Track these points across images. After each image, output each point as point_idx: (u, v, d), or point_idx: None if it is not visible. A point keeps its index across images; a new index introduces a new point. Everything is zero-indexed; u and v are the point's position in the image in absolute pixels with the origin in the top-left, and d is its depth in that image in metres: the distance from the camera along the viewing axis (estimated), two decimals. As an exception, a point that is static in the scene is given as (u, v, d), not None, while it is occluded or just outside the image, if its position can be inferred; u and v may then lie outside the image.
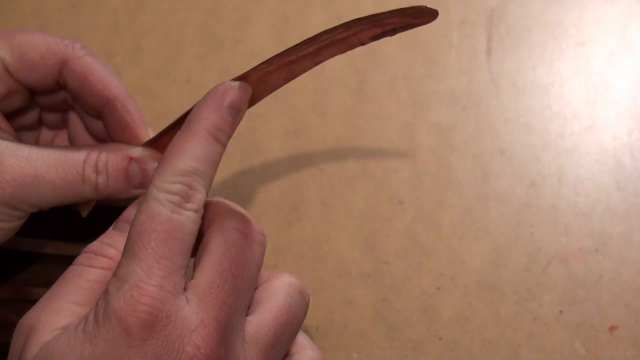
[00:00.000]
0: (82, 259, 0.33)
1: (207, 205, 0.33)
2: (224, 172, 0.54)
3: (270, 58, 0.36)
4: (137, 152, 0.37)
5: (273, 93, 0.58)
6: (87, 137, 0.40)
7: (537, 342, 0.47)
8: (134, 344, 0.27)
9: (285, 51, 0.36)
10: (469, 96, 0.56)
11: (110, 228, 0.35)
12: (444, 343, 0.48)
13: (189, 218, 0.30)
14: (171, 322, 0.28)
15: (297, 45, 0.36)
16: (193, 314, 0.29)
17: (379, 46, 0.59)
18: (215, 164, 0.32)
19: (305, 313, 0.33)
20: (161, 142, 0.37)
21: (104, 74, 0.37)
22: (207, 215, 0.33)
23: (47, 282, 0.42)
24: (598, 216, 0.51)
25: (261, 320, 0.31)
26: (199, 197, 0.31)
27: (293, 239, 0.51)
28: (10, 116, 0.39)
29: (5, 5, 0.63)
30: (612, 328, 0.48)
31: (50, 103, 0.40)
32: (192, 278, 0.31)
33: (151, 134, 0.38)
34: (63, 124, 0.41)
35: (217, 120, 0.33)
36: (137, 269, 0.29)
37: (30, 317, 0.31)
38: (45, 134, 0.42)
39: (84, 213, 0.40)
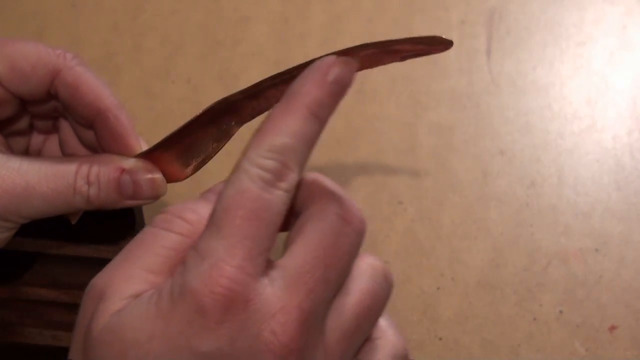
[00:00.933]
0: (160, 220, 0.31)
1: (303, 182, 0.31)
2: (224, 172, 0.54)
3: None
4: (129, 163, 0.36)
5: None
6: (78, 144, 0.40)
7: (537, 342, 0.47)
8: (208, 326, 0.26)
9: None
10: (469, 96, 0.56)
11: (198, 196, 0.33)
12: (444, 343, 0.48)
13: (279, 198, 0.29)
14: (250, 306, 0.26)
15: (292, 68, 0.36)
16: (275, 297, 0.27)
17: (379, 46, 0.59)
18: (312, 143, 0.30)
19: (388, 298, 0.31)
20: (154, 155, 0.37)
21: (96, 84, 0.37)
22: (304, 193, 0.31)
23: (47, 282, 0.42)
24: (598, 216, 0.51)
25: (343, 305, 0.29)
26: (292, 177, 0.29)
27: (293, 239, 0.51)
28: (1, 123, 0.39)
29: (5, 5, 0.63)
30: (612, 328, 0.48)
31: (41, 111, 0.40)
32: (282, 257, 0.29)
33: (143, 144, 0.38)
34: (54, 129, 0.41)
35: (320, 97, 0.31)
36: (218, 246, 0.27)
37: (102, 280, 0.29)
38: (36, 138, 0.41)
39: (73, 220, 0.40)
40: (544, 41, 0.58)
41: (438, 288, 0.50)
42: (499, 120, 0.55)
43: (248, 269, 0.27)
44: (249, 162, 0.30)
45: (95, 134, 0.38)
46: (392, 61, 0.35)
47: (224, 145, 0.38)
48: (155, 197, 0.37)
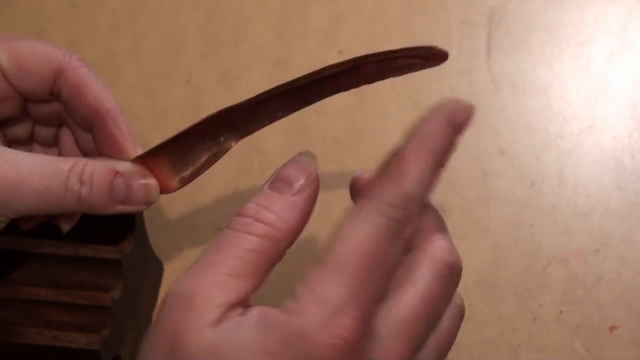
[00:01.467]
0: (238, 224, 0.30)
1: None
2: (224, 172, 0.54)
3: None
4: (124, 167, 0.36)
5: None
6: (78, 155, 0.40)
7: (537, 342, 0.47)
8: None
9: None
10: (469, 96, 0.56)
11: (265, 186, 0.32)
12: (444, 343, 0.48)
13: (399, 248, 0.28)
14: (360, 358, 0.27)
15: (292, 80, 0.36)
16: (381, 348, 0.27)
17: (379, 46, 0.59)
18: (432, 190, 0.30)
19: (454, 290, 0.31)
20: (149, 160, 0.37)
21: (98, 86, 0.37)
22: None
23: (47, 282, 0.42)
24: (598, 216, 0.51)
25: (402, 311, 0.29)
26: (411, 228, 0.29)
27: (293, 239, 0.51)
28: (2, 124, 0.39)
29: (5, 5, 0.63)
30: (612, 328, 0.48)
31: (43, 115, 0.40)
32: (387, 300, 0.29)
33: (139, 151, 0.38)
34: (54, 142, 0.41)
35: (445, 143, 0.30)
36: (338, 293, 0.27)
37: (187, 286, 0.29)
38: (36, 149, 0.41)
39: (65, 229, 0.39)
40: (544, 41, 0.58)
41: (438, 288, 0.50)
42: (499, 120, 0.55)
43: (364, 321, 0.27)
44: (378, 208, 0.29)
45: (94, 137, 0.38)
46: (390, 77, 0.36)
47: (218, 159, 0.37)
48: (147, 203, 0.36)
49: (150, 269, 0.49)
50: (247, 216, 0.31)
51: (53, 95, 0.38)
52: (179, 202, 0.52)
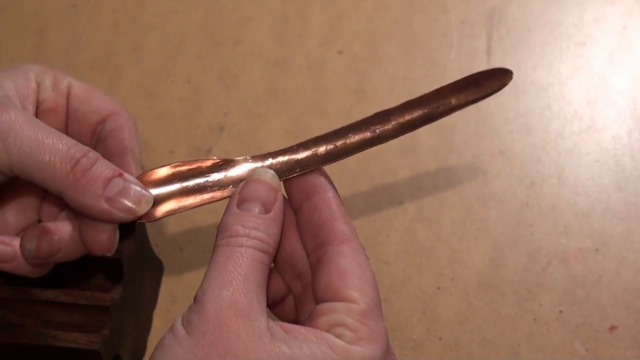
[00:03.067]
0: (238, 241, 0.34)
1: None
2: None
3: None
4: (128, 175, 0.37)
5: (273, 93, 0.58)
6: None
7: (537, 342, 0.47)
8: None
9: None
10: (469, 96, 0.56)
11: (237, 206, 0.35)
12: (444, 343, 0.48)
13: None
14: None
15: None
16: None
17: (379, 46, 0.59)
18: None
19: None
20: (145, 179, 0.37)
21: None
22: None
23: (48, 282, 0.42)
24: (598, 216, 0.51)
25: None
26: None
27: (293, 239, 0.51)
28: None
29: (5, 5, 0.63)
30: (612, 328, 0.48)
31: None
32: None
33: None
34: None
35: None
36: (384, 329, 0.34)
37: (236, 296, 0.32)
38: None
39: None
40: (544, 41, 0.58)
41: (438, 288, 0.50)
42: (499, 120, 0.55)
43: None
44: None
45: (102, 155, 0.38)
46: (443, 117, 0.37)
47: (204, 204, 0.37)
48: (134, 212, 0.36)
49: (150, 269, 0.49)
50: (240, 235, 0.34)
51: None
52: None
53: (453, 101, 0.37)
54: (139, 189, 0.36)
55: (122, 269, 0.43)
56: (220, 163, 0.37)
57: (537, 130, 0.55)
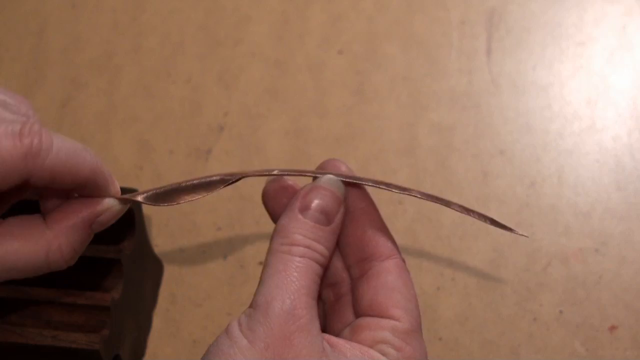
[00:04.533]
0: (299, 251, 0.34)
1: None
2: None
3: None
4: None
5: (273, 93, 0.58)
6: None
7: (537, 342, 0.47)
8: None
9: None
10: (469, 96, 0.56)
11: (301, 214, 0.35)
12: (444, 343, 0.48)
13: None
14: None
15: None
16: None
17: (379, 46, 0.59)
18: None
19: None
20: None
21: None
22: None
23: (48, 282, 0.42)
24: (598, 216, 0.51)
25: None
26: None
27: (293, 239, 0.51)
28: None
29: (5, 5, 0.63)
30: (612, 328, 0.48)
31: None
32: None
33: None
34: None
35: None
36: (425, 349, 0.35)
37: (294, 303, 0.32)
38: None
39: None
40: (544, 41, 0.58)
41: (438, 288, 0.50)
42: (499, 120, 0.55)
43: None
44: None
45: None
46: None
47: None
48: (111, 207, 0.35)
49: (150, 269, 0.49)
50: (302, 246, 0.34)
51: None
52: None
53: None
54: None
55: (122, 269, 0.43)
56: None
57: (537, 130, 0.55)
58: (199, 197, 0.37)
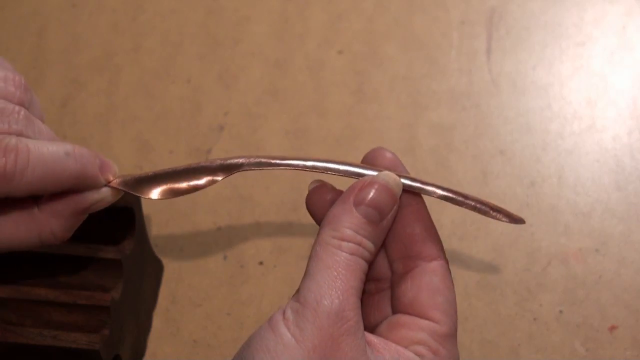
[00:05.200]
0: (349, 248, 0.33)
1: None
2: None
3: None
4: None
5: (273, 93, 0.58)
6: None
7: (537, 342, 0.47)
8: None
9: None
10: (469, 96, 0.56)
11: (355, 209, 0.34)
12: (444, 343, 0.48)
13: None
14: None
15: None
16: None
17: (379, 46, 0.59)
18: None
19: None
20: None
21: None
22: None
23: (47, 282, 0.42)
24: (598, 216, 0.51)
25: None
26: None
27: (293, 239, 0.51)
28: None
29: (5, 5, 0.63)
30: (612, 328, 0.48)
31: None
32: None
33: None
34: None
35: None
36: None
37: (331, 299, 0.32)
38: None
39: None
40: (544, 41, 0.58)
41: (438, 288, 0.50)
42: (499, 120, 0.55)
43: None
44: None
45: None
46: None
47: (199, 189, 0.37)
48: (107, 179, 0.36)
49: (150, 269, 0.49)
50: (353, 242, 0.33)
51: None
52: (179, 202, 0.52)
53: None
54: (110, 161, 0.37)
55: (122, 269, 0.43)
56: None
57: (537, 130, 0.55)
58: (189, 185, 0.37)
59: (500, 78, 0.57)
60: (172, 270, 0.51)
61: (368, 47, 0.59)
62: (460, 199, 0.36)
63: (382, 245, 0.36)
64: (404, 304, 0.35)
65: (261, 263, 0.51)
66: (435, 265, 0.35)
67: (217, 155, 0.55)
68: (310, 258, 0.33)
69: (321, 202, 0.37)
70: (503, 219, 0.36)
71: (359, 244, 0.33)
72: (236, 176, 0.54)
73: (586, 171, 0.53)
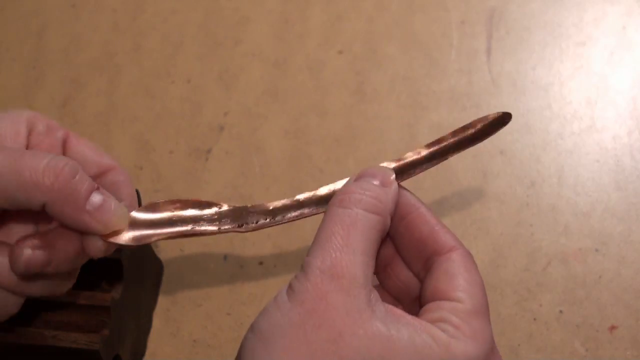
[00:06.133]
0: (350, 202, 0.34)
1: None
2: (224, 172, 0.54)
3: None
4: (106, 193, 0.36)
5: (273, 93, 0.58)
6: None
7: (537, 342, 0.47)
8: None
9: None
10: (469, 96, 0.56)
11: (352, 179, 0.35)
12: (444, 343, 0.48)
13: None
14: None
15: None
16: None
17: (379, 46, 0.59)
18: None
19: None
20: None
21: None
22: None
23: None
24: (598, 216, 0.51)
25: None
26: None
27: (293, 239, 0.51)
28: None
29: (5, 5, 0.63)
30: (612, 328, 0.48)
31: None
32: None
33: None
34: None
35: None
36: (491, 332, 0.34)
37: (328, 263, 0.32)
38: None
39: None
40: (544, 41, 0.58)
41: (438, 288, 0.50)
42: (499, 120, 0.55)
43: None
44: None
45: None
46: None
47: (176, 238, 0.37)
48: (111, 227, 0.35)
49: (150, 269, 0.49)
50: (355, 193, 0.34)
51: None
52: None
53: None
54: (117, 204, 0.35)
55: (122, 269, 0.43)
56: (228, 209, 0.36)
57: (537, 130, 0.55)
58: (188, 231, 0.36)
59: (500, 78, 0.57)
60: (172, 270, 0.51)
61: (368, 47, 0.59)
62: (442, 146, 0.39)
63: (404, 261, 0.37)
64: (427, 296, 0.35)
65: (261, 263, 0.51)
66: (451, 255, 0.35)
67: (218, 155, 0.55)
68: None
69: None
70: (492, 123, 0.38)
71: (362, 195, 0.34)
72: (236, 176, 0.54)
73: (586, 171, 0.53)
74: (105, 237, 0.35)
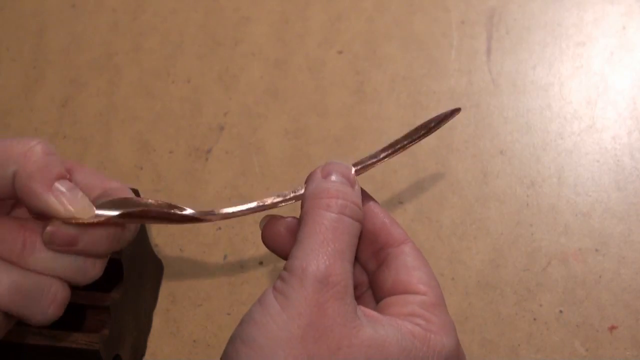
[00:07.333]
0: (334, 206, 0.34)
1: None
2: (224, 172, 0.54)
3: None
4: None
5: (273, 93, 0.58)
6: None
7: (537, 342, 0.47)
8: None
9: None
10: (469, 96, 0.56)
11: (320, 178, 0.36)
12: (444, 343, 0.48)
13: None
14: None
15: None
16: None
17: (379, 46, 0.59)
18: None
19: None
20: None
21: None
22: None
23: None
24: (598, 216, 0.51)
25: None
26: None
27: (293, 239, 0.51)
28: None
29: (5, 5, 0.63)
30: (612, 328, 0.48)
31: None
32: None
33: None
34: None
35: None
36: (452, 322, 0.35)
37: (320, 268, 0.32)
38: None
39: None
40: (544, 41, 0.58)
41: (438, 288, 0.50)
42: (499, 120, 0.55)
43: None
44: None
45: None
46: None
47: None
48: (71, 215, 0.33)
49: (150, 269, 0.49)
50: (335, 198, 0.34)
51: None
52: (179, 202, 0.52)
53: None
54: (84, 196, 0.33)
55: (122, 269, 0.43)
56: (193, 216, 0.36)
57: (537, 130, 0.55)
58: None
59: (500, 78, 0.57)
60: (172, 270, 0.51)
61: (368, 47, 0.59)
62: (398, 147, 0.39)
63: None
64: (387, 289, 0.35)
65: (261, 263, 0.51)
66: (404, 247, 0.36)
67: (218, 155, 0.55)
68: (299, 226, 0.34)
69: (278, 235, 0.37)
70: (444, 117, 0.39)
71: (345, 199, 0.34)
72: (236, 176, 0.54)
73: (586, 171, 0.53)
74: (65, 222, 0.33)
